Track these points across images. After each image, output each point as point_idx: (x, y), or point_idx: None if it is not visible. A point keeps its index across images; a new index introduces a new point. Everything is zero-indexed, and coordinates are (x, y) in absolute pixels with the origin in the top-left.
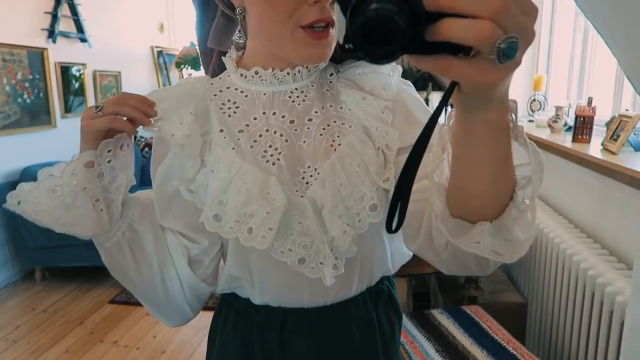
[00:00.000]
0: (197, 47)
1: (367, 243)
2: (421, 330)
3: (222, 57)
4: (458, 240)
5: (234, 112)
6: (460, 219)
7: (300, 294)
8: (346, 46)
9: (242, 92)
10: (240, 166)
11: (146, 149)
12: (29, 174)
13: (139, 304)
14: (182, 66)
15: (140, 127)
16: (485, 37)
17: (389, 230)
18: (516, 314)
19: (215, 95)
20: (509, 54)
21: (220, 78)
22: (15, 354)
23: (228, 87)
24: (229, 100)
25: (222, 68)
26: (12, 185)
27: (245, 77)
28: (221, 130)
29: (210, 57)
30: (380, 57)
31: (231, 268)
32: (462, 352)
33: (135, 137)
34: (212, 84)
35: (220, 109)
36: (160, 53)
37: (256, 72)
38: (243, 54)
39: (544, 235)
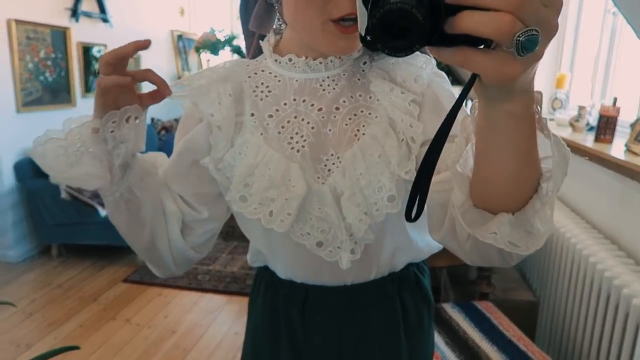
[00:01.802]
0: (215, 33)
1: (388, 231)
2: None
3: (260, 41)
4: (475, 230)
5: (266, 96)
6: (482, 210)
7: (319, 274)
8: (367, 38)
9: (275, 76)
10: (266, 152)
11: (162, 131)
12: None
13: (151, 284)
14: (201, 51)
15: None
16: (504, 31)
17: (408, 219)
18: (527, 312)
19: (249, 77)
20: (528, 47)
21: (257, 61)
22: (31, 326)
23: (263, 70)
24: (262, 84)
25: (261, 51)
26: (32, 162)
27: (279, 62)
28: (252, 115)
29: (252, 39)
30: (398, 50)
31: (256, 244)
32: (472, 347)
33: (152, 120)
34: (248, 65)
35: (254, 91)
36: (180, 37)
37: (290, 59)
38: (280, 38)
39: (560, 235)
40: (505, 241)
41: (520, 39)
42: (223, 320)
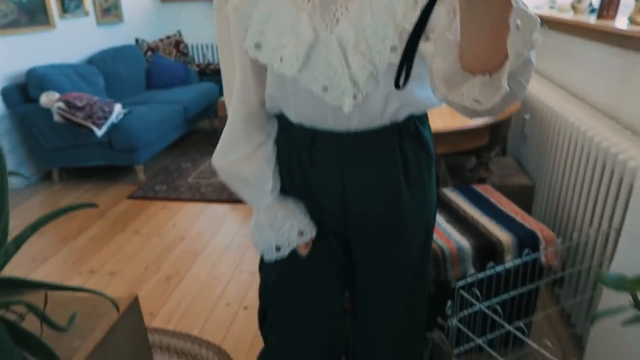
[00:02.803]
0: None
1: (390, 81)
2: None
3: None
4: (450, 91)
5: None
6: (466, 71)
7: (325, 118)
8: None
9: None
10: (279, 1)
11: (149, 52)
12: (34, 76)
13: (155, 198)
14: None
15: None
16: None
17: (397, 86)
18: (524, 195)
19: None
20: None
21: None
22: (45, 242)
23: None
24: None
25: None
26: (19, 87)
27: None
28: None
29: None
30: None
31: (271, 90)
32: (472, 223)
33: (137, 41)
34: None
35: None
36: None
37: None
38: None
39: (559, 117)
40: (470, 99)
41: None
42: (229, 226)
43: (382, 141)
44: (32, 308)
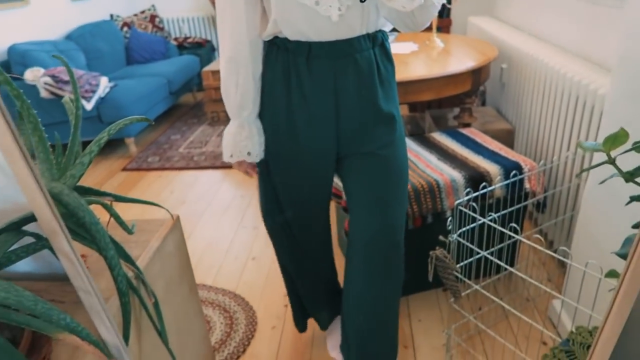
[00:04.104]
0: None
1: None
2: (424, 148)
3: None
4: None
5: None
6: None
7: (317, 30)
8: None
9: None
10: None
11: (125, 27)
12: (16, 53)
13: (149, 169)
14: None
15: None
16: None
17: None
18: (505, 139)
19: None
20: None
21: None
22: None
23: None
24: None
25: None
26: (3, 64)
27: None
28: None
29: None
30: None
31: (275, 15)
32: (461, 159)
33: (111, 17)
34: None
35: None
36: None
37: None
38: None
39: (533, 60)
40: (399, 4)
41: None
42: (227, 189)
43: (362, 47)
44: (108, 208)
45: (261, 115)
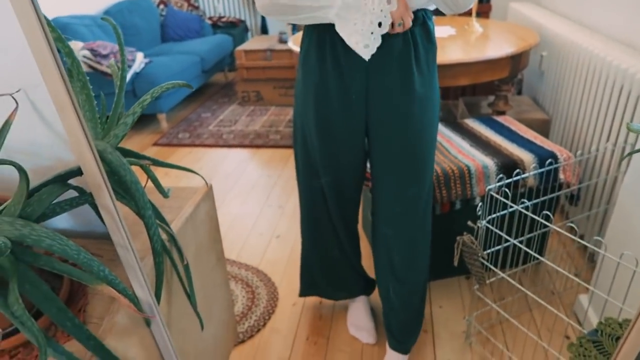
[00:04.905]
0: None
1: None
2: (456, 134)
3: None
4: None
5: None
6: None
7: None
8: None
9: None
10: None
11: (161, 5)
12: (57, 26)
13: (179, 145)
14: None
15: None
16: None
17: None
18: (541, 128)
19: None
20: None
21: None
22: None
23: None
24: None
25: None
26: None
27: None
28: None
29: None
30: None
31: None
32: (494, 146)
33: None
34: None
35: None
36: None
37: None
38: None
39: (576, 47)
40: None
41: None
42: (254, 168)
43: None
44: (147, 171)
45: (298, 82)
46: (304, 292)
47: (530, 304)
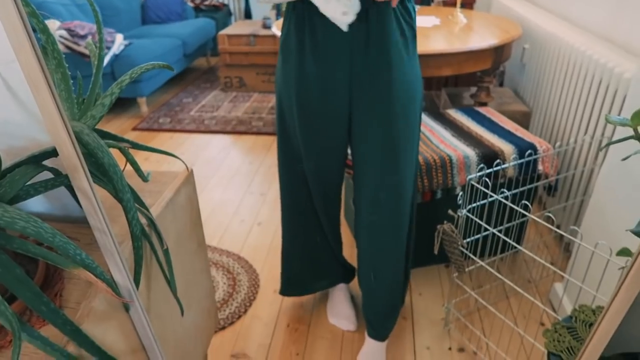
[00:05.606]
0: None
1: None
2: (439, 124)
3: None
4: None
5: None
6: None
7: None
8: None
9: None
10: None
11: None
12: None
13: (160, 130)
14: None
15: None
16: None
17: None
18: (521, 120)
19: None
20: None
21: None
22: None
23: None
24: None
25: None
26: None
27: None
28: None
29: None
30: None
31: None
32: (476, 137)
33: None
34: None
35: None
36: None
37: None
38: None
39: (558, 40)
40: None
41: None
42: (236, 154)
43: (382, 10)
44: (126, 153)
45: (278, 67)
46: (285, 289)
47: (507, 291)
